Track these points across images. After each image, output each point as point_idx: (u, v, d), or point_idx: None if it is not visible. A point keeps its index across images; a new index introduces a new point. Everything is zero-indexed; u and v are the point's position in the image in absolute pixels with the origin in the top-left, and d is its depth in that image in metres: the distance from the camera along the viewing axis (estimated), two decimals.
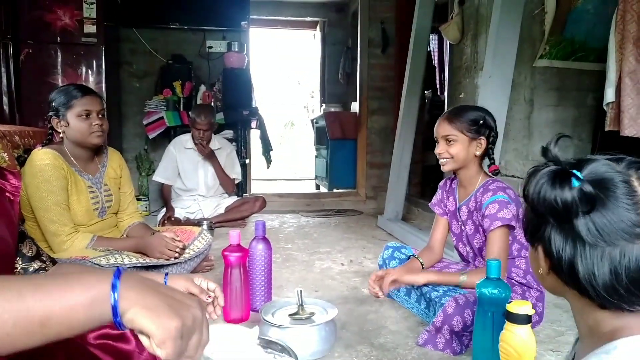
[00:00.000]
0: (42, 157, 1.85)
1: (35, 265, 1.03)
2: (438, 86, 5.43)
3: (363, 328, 1.66)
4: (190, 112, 3.47)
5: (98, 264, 1.74)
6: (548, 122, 2.90)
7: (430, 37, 4.13)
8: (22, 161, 2.13)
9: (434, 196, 1.92)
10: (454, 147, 1.63)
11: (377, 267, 2.09)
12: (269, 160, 4.90)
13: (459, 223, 1.78)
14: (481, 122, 1.62)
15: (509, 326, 1.07)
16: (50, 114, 1.92)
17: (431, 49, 5.02)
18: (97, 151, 2.08)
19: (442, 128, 1.66)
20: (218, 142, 3.58)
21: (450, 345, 1.48)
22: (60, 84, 3.65)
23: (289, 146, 10.94)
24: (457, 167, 1.68)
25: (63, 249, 1.85)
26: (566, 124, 2.92)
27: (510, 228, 1.57)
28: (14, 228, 0.97)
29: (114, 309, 0.54)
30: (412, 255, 1.82)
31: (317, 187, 6.14)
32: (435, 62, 5.54)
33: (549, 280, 0.72)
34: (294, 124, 11.18)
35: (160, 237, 2.01)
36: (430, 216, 3.85)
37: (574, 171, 0.64)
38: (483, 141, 1.63)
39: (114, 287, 0.55)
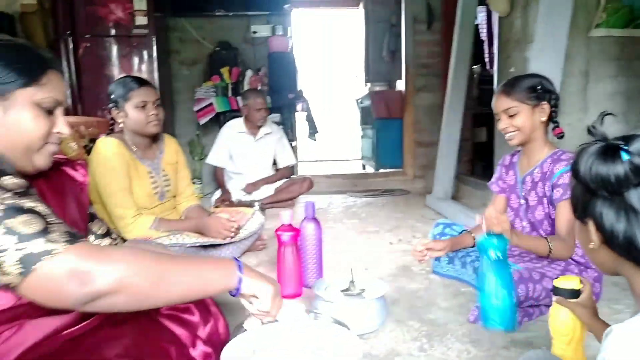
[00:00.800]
0: (106, 145, 1.98)
1: (106, 241, 1.14)
2: (487, 60, 5.24)
3: (413, 304, 1.70)
4: (242, 98, 3.56)
5: (161, 243, 1.87)
6: (606, 95, 2.76)
7: (478, 9, 3.99)
8: (88, 150, 2.30)
9: (493, 175, 1.90)
10: (517, 118, 1.61)
11: None
12: (313, 141, 4.95)
13: (518, 198, 1.75)
14: (539, 87, 1.60)
15: (558, 299, 1.06)
16: (110, 105, 2.04)
17: (479, 21, 4.84)
18: (154, 138, 2.19)
19: (500, 102, 1.64)
20: (269, 127, 3.66)
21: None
22: (116, 75, 3.85)
23: (333, 127, 10.96)
24: (525, 138, 1.65)
25: (128, 230, 1.99)
26: (627, 95, 2.77)
27: None
28: (84, 211, 1.09)
29: (240, 281, 0.92)
30: (464, 230, 1.82)
31: (364, 167, 6.15)
32: (484, 35, 5.33)
33: (600, 255, 0.73)
34: (338, 105, 11.18)
35: (216, 218, 2.12)
36: (480, 194, 3.79)
37: (623, 145, 0.65)
38: (546, 106, 1.61)
39: (240, 269, 0.93)
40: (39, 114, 0.90)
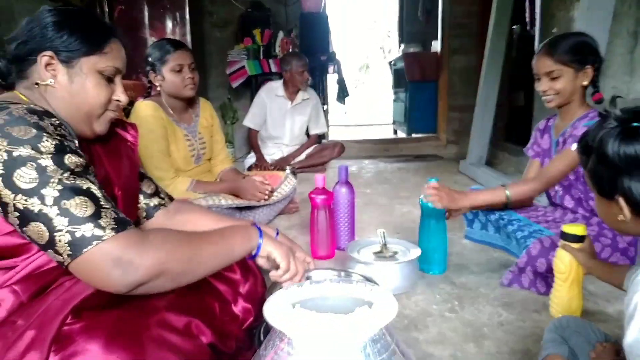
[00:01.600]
0: (144, 108, 2.03)
1: (155, 201, 1.19)
2: (528, 20, 5.00)
3: (445, 268, 1.71)
4: (282, 62, 3.52)
5: (199, 205, 1.93)
6: None
7: None
8: (126, 113, 2.35)
9: (530, 140, 1.87)
10: (559, 82, 1.57)
11: None
12: (342, 105, 4.91)
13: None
14: (585, 49, 1.53)
15: (562, 244, 1.21)
16: (148, 68, 2.07)
17: None
18: (190, 102, 2.23)
19: (542, 64, 1.58)
20: (307, 92, 3.64)
21: (534, 284, 1.50)
22: (149, 38, 3.88)
23: (365, 90, 10.78)
24: (564, 102, 1.62)
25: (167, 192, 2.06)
26: None
27: None
28: (136, 170, 1.14)
29: (258, 247, 1.01)
30: (503, 185, 1.80)
31: (395, 132, 6.08)
32: None
33: (630, 225, 0.80)
34: (369, 67, 10.95)
35: (251, 181, 2.17)
36: (516, 160, 3.71)
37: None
38: (589, 70, 1.55)
39: (260, 236, 1.01)
40: (100, 81, 0.93)
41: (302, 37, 4.30)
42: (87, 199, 0.78)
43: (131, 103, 2.21)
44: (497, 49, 3.44)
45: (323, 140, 4.38)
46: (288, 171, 2.98)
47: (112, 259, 0.76)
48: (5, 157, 0.74)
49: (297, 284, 0.95)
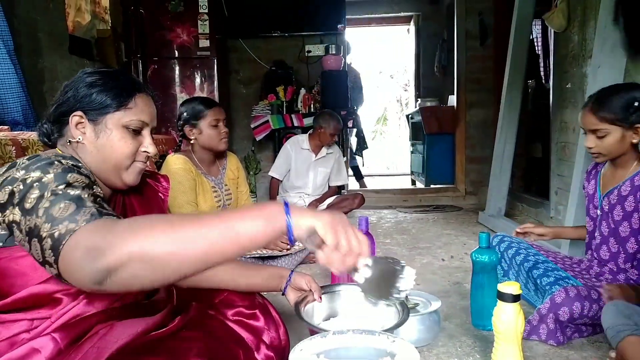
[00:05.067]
0: (175, 161, 2.14)
1: None
2: (542, 74, 5.15)
3: (466, 321, 1.72)
4: (317, 118, 3.62)
5: None
6: None
7: (533, 22, 3.95)
8: (157, 166, 2.48)
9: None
10: (606, 140, 1.50)
11: None
12: (362, 158, 5.03)
13: (596, 208, 1.71)
14: (636, 105, 1.44)
15: (499, 303, 1.18)
16: (182, 123, 2.18)
17: (534, 35, 4.77)
18: (218, 155, 2.34)
19: (587, 120, 1.52)
20: (331, 147, 3.77)
21: (554, 335, 1.49)
22: (180, 94, 4.11)
23: (382, 141, 10.96)
24: (608, 158, 1.58)
25: None
26: None
27: None
28: None
29: (289, 224, 0.77)
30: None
31: (413, 182, 6.13)
32: (539, 49, 5.25)
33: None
34: (387, 119, 11.17)
35: None
36: (535, 212, 3.71)
37: None
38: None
39: (286, 205, 0.79)
40: (125, 135, 0.99)
41: (323, 93, 4.49)
42: (71, 202, 0.76)
43: (163, 156, 2.35)
44: (513, 103, 3.54)
45: (343, 191, 4.46)
46: None
47: (82, 248, 0.70)
48: (21, 187, 0.80)
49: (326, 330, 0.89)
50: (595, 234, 1.71)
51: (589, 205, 1.76)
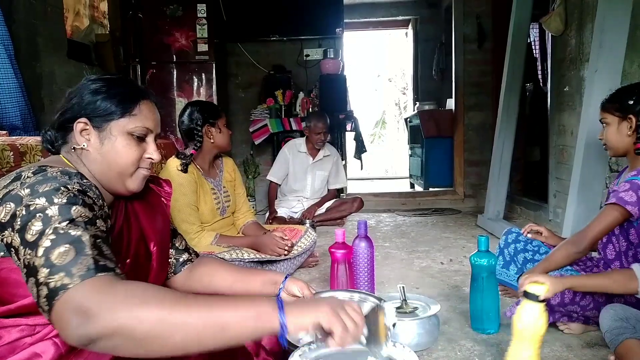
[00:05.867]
0: (175, 164, 2.15)
1: (185, 256, 1.25)
2: (540, 78, 5.17)
3: (466, 324, 1.72)
4: (306, 121, 3.70)
5: (223, 258, 1.99)
6: None
7: (531, 26, 3.97)
8: (155, 171, 2.48)
9: None
10: (607, 131, 1.62)
11: None
12: (361, 162, 5.03)
13: None
14: (628, 97, 1.55)
15: (524, 302, 1.17)
16: (200, 123, 2.18)
17: (531, 39, 4.79)
18: (215, 158, 2.35)
19: (599, 112, 1.65)
20: (328, 149, 3.78)
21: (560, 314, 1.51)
22: (177, 99, 4.11)
23: (380, 144, 10.97)
24: (615, 151, 1.63)
25: (192, 245, 2.13)
26: None
27: (629, 214, 1.45)
28: (168, 225, 1.20)
29: (282, 326, 0.76)
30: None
31: (412, 186, 6.13)
32: (537, 53, 5.27)
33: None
34: (385, 122, 11.19)
35: (271, 237, 2.23)
36: (534, 214, 3.71)
37: None
38: (632, 119, 1.54)
39: (280, 306, 0.78)
40: (130, 142, 0.99)
41: (321, 97, 4.50)
42: (71, 247, 0.76)
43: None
44: (511, 106, 3.55)
45: (342, 195, 4.46)
46: (308, 225, 3.04)
47: (73, 307, 0.71)
48: (24, 212, 0.79)
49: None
50: (612, 238, 1.71)
51: None
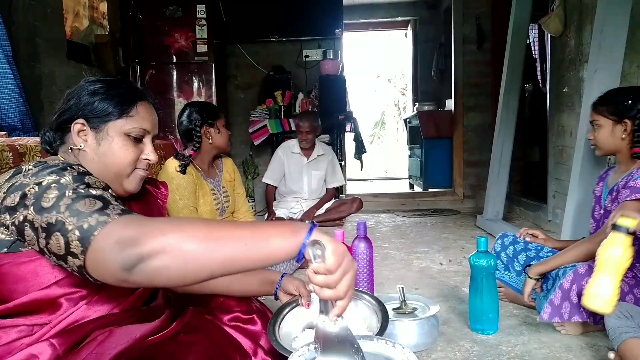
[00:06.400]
0: (174, 165, 2.15)
1: None
2: (539, 79, 5.17)
3: (465, 325, 1.72)
4: (294, 120, 3.72)
5: None
6: None
7: (530, 27, 3.97)
8: (154, 171, 2.48)
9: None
10: (599, 132, 1.65)
11: None
12: (361, 162, 5.03)
13: (600, 208, 1.74)
14: (626, 103, 1.59)
15: (611, 234, 1.22)
16: (200, 123, 2.17)
17: (531, 40, 4.79)
18: (214, 158, 2.35)
19: (590, 114, 1.68)
20: (321, 148, 3.78)
21: (577, 310, 1.47)
22: (177, 99, 4.11)
23: (379, 145, 10.98)
24: (604, 153, 1.68)
25: None
26: None
27: None
28: None
29: (310, 233, 0.75)
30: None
31: (411, 186, 6.14)
32: (536, 54, 5.28)
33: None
34: (384, 123, 11.19)
35: None
36: (533, 215, 3.72)
37: None
38: (629, 123, 1.59)
39: (310, 232, 0.76)
40: (127, 143, 1.00)
41: (321, 98, 4.50)
42: (96, 200, 0.78)
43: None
44: (510, 107, 3.55)
45: (341, 195, 4.46)
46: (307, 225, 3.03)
47: (115, 239, 0.72)
48: (36, 189, 0.80)
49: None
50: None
51: (595, 207, 1.79)
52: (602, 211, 1.73)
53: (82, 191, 0.79)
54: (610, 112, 1.59)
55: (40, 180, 0.81)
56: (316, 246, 0.75)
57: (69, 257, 0.76)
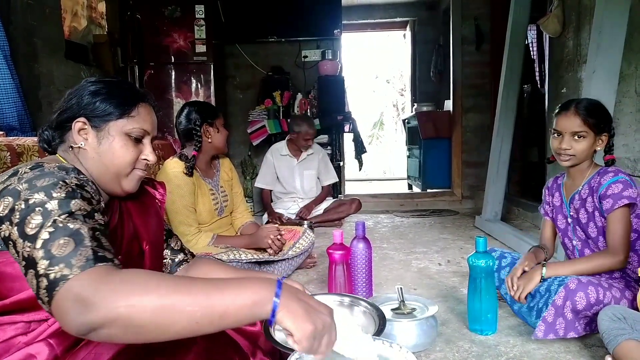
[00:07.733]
0: (173, 165, 2.14)
1: (180, 257, 1.26)
2: (538, 79, 5.18)
3: (464, 326, 1.71)
4: (292, 123, 3.70)
5: (220, 259, 1.99)
6: None
7: (528, 28, 3.98)
8: (153, 171, 2.47)
9: (542, 200, 1.92)
10: (581, 143, 1.62)
11: None
12: (360, 163, 5.04)
13: (565, 218, 1.77)
14: (605, 117, 1.63)
15: None
16: (199, 122, 2.17)
17: (529, 41, 4.80)
18: (213, 158, 2.35)
19: (571, 122, 1.61)
20: (310, 147, 3.78)
21: (572, 326, 1.47)
22: (175, 99, 4.11)
23: (378, 145, 10.99)
24: (578, 162, 1.67)
25: (190, 246, 2.13)
26: None
27: (631, 209, 1.58)
28: (162, 226, 1.21)
29: (274, 311, 0.74)
30: (536, 246, 1.82)
31: (410, 187, 6.14)
32: (534, 54, 5.28)
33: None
34: (383, 124, 11.20)
35: (265, 228, 2.25)
36: (531, 216, 3.72)
37: None
38: (605, 137, 1.63)
39: (277, 295, 0.75)
40: (127, 142, 1.01)
41: (319, 99, 4.51)
42: (70, 239, 0.76)
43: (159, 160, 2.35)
44: (509, 108, 3.55)
45: (340, 196, 4.46)
46: (306, 226, 3.04)
47: (73, 297, 0.71)
48: (23, 206, 0.79)
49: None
50: (573, 242, 1.75)
51: (557, 217, 1.81)
52: (567, 220, 1.76)
53: (61, 224, 0.77)
54: (596, 125, 1.60)
55: (28, 198, 0.80)
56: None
57: (39, 300, 0.75)
